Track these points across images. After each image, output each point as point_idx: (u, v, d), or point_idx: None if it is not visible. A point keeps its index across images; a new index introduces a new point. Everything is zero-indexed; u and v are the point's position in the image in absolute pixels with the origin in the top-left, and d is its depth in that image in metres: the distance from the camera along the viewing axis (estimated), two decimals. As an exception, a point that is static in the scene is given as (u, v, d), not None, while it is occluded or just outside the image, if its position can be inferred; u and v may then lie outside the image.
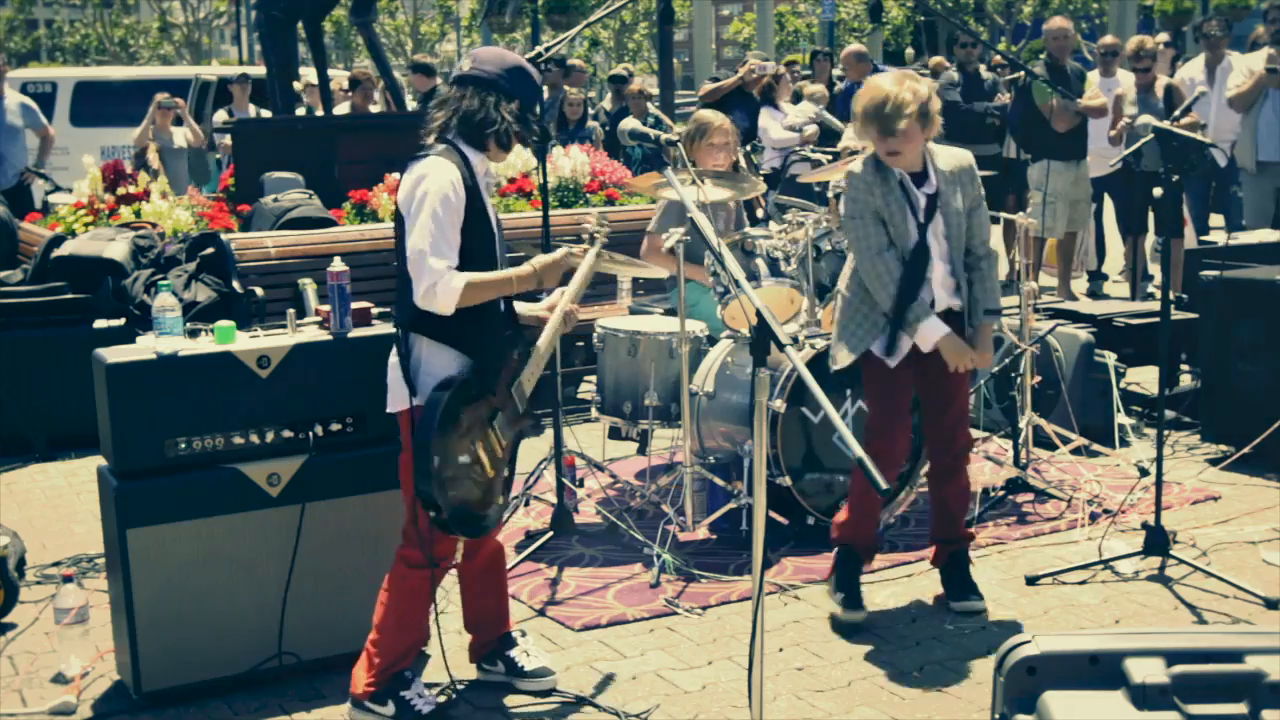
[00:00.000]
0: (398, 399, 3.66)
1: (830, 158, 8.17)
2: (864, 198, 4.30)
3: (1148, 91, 8.93)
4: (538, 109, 3.81)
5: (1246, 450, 5.62)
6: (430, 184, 3.52)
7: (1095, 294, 10.16)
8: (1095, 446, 5.99)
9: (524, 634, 4.05)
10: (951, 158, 4.37)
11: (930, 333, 4.28)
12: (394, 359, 3.66)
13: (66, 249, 7.23)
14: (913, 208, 4.29)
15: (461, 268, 3.55)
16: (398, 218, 3.63)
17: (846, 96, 11.20)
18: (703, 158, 5.75)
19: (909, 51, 36.71)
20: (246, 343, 3.93)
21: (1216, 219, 10.20)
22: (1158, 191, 4.74)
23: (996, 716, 2.34)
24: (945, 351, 4.30)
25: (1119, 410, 6.16)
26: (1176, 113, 6.78)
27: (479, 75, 3.68)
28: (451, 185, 3.53)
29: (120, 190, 8.58)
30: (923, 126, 4.22)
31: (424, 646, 3.78)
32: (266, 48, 10.40)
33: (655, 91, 17.54)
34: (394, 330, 3.71)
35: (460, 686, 3.91)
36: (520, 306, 3.91)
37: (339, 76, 14.02)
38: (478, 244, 3.62)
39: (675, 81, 19.15)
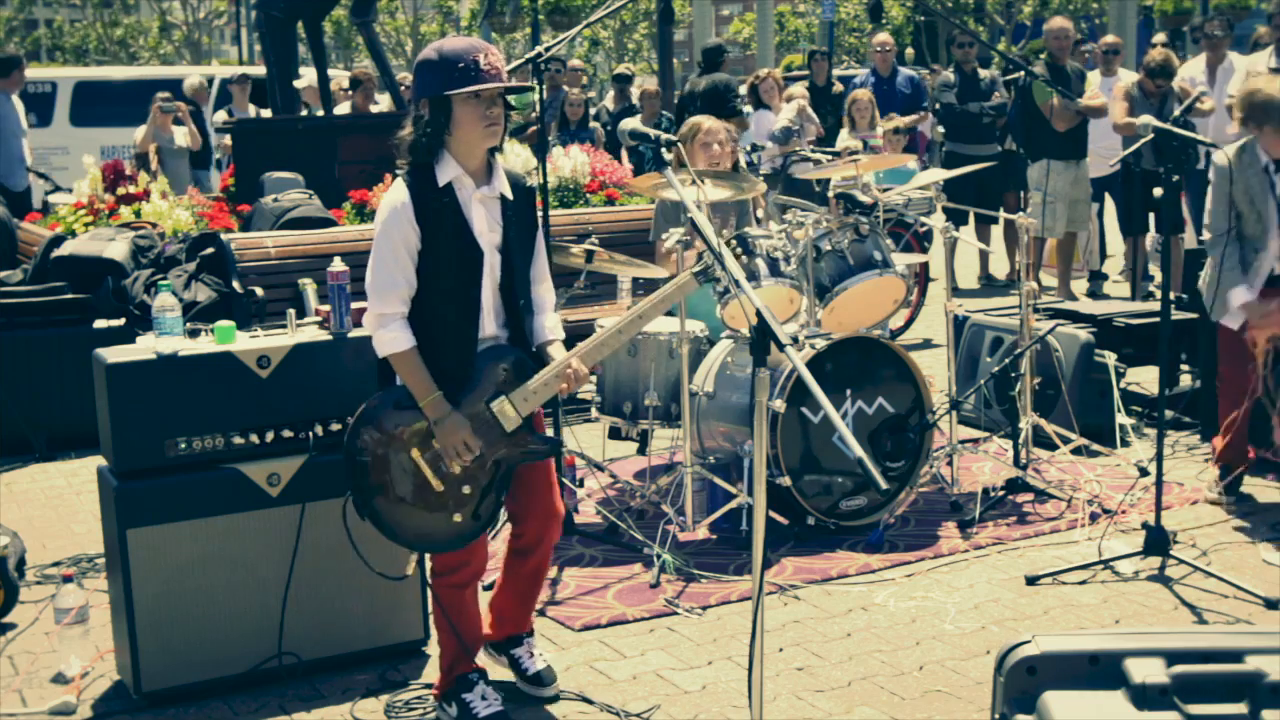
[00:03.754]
0: None
1: (830, 158, 8.18)
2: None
3: (1150, 95, 8.91)
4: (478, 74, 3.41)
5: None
6: (378, 216, 3.56)
7: (1095, 294, 10.15)
8: (1095, 446, 5.98)
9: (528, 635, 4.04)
10: None
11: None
12: None
13: (66, 249, 7.23)
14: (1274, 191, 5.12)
15: (435, 285, 3.51)
16: None
17: (875, 87, 11.10)
18: (698, 157, 5.74)
19: (909, 51, 36.69)
20: (246, 343, 3.93)
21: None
22: (1158, 191, 4.75)
23: (996, 716, 2.34)
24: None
25: (1119, 410, 6.16)
26: (1177, 112, 6.77)
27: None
28: (390, 215, 3.48)
29: (120, 190, 8.59)
30: None
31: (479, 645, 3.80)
32: (266, 48, 10.40)
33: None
34: None
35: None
36: (554, 337, 3.73)
37: (339, 76, 14.00)
38: (451, 250, 3.52)
39: (675, 81, 19.17)
